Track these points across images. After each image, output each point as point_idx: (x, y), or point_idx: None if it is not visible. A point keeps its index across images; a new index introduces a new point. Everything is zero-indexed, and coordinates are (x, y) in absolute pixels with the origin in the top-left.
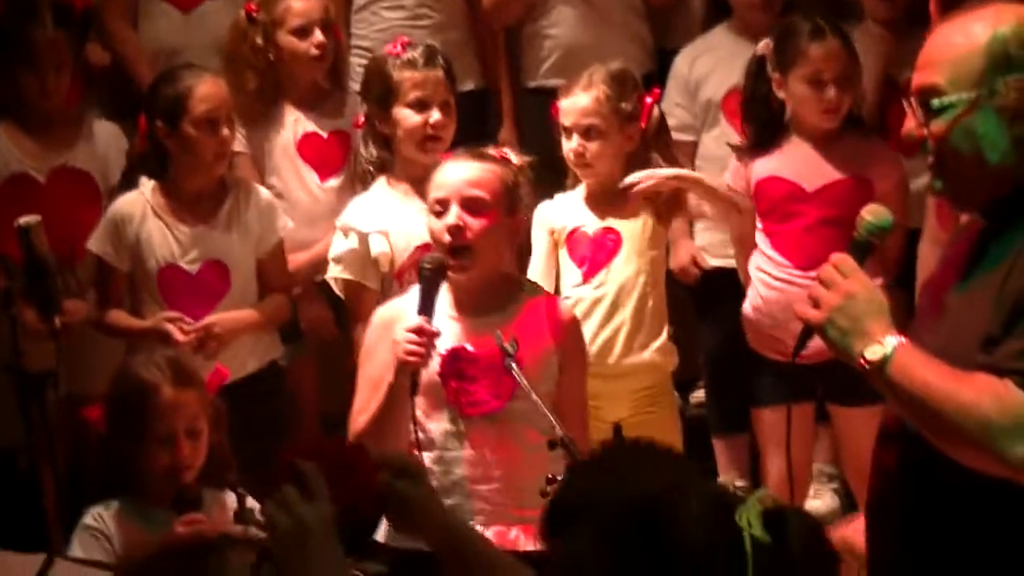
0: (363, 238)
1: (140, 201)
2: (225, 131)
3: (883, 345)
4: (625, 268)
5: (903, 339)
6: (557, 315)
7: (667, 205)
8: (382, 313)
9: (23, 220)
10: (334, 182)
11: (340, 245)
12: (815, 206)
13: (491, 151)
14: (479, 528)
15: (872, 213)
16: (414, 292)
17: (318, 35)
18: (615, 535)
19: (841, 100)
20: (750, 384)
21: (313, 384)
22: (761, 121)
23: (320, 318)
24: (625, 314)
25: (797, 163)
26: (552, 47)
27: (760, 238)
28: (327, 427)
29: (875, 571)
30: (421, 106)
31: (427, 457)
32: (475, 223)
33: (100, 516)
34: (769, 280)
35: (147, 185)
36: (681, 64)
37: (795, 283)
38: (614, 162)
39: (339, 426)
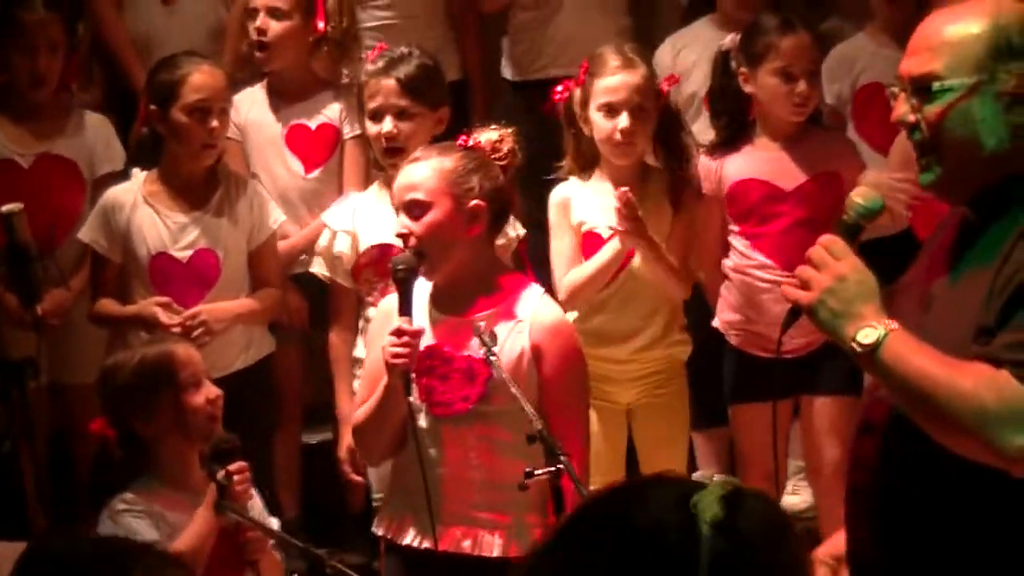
0: (332, 235)
1: (131, 190)
2: (215, 122)
3: (876, 329)
4: (638, 271)
5: (895, 324)
6: (535, 314)
7: (679, 191)
8: (382, 305)
9: (5, 208)
10: (317, 174)
11: (321, 240)
12: (792, 205)
13: (455, 141)
14: (439, 527)
15: (862, 196)
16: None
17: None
18: (584, 526)
19: (811, 94)
20: (731, 381)
21: (297, 374)
22: (728, 116)
23: (291, 308)
24: (638, 312)
25: (770, 163)
26: (545, 40)
27: (738, 241)
28: (310, 417)
29: (856, 562)
30: (376, 116)
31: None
32: (416, 226)
33: (127, 499)
34: (756, 284)
35: (139, 175)
36: (664, 55)
37: (783, 283)
38: (648, 141)
39: (321, 414)
